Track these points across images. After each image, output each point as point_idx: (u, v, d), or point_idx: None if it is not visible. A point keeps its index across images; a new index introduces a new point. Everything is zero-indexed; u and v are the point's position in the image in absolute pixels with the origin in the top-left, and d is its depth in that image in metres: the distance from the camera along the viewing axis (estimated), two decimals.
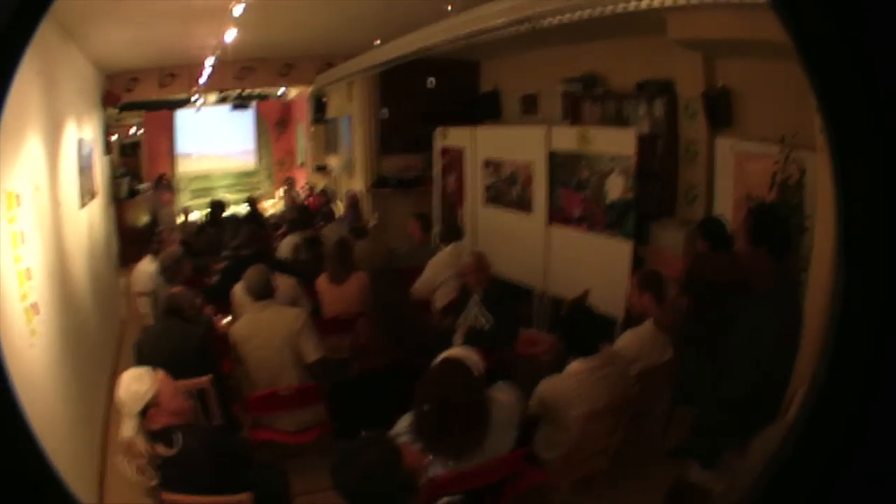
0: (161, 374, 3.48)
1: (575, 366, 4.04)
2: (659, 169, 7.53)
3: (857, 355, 0.70)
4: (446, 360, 3.54)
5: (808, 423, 0.74)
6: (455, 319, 5.81)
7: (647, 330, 4.75)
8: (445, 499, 2.87)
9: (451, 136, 9.97)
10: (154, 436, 3.31)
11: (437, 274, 6.78)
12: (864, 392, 0.70)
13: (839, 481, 0.72)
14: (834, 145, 0.70)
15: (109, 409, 5.74)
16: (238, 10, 6.50)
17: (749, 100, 6.37)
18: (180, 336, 4.81)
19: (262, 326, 4.96)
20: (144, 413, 3.32)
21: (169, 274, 6.29)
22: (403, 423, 3.55)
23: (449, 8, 6.10)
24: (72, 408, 4.67)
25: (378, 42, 8.65)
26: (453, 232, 7.22)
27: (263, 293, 5.11)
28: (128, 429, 3.30)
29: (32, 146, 4.70)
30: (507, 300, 5.83)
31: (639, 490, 4.75)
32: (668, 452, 5.08)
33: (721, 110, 6.57)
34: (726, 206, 6.41)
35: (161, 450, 3.28)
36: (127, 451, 3.28)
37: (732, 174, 6.37)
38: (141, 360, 4.46)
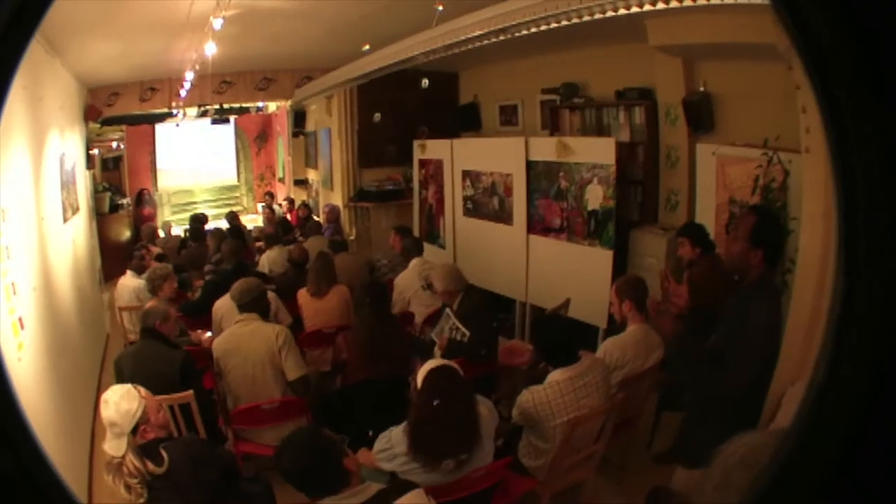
0: (143, 389, 3.46)
1: (555, 375, 4.05)
2: (640, 176, 7.58)
3: (857, 357, 0.71)
4: (441, 366, 3.55)
5: (807, 426, 0.74)
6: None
7: (630, 337, 4.76)
8: None
9: (430, 149, 10.00)
10: (142, 450, 3.29)
11: (404, 290, 6.82)
12: (866, 394, 0.70)
13: (840, 484, 0.72)
14: (835, 145, 0.70)
15: (95, 423, 5.71)
16: (218, 23, 6.50)
17: (730, 104, 6.43)
18: (161, 360, 4.74)
19: (243, 341, 4.92)
20: (135, 430, 3.28)
21: (156, 289, 6.26)
22: (395, 434, 3.57)
23: (440, 8, 6.12)
24: (58, 421, 4.65)
25: (367, 47, 8.65)
26: (414, 247, 7.25)
27: (250, 305, 5.09)
28: (116, 447, 3.24)
29: (17, 161, 4.70)
30: (485, 311, 5.81)
31: (626, 496, 4.78)
32: (655, 458, 5.12)
33: (702, 115, 6.62)
34: (708, 211, 6.45)
35: (151, 467, 3.26)
36: (117, 471, 3.24)
37: (714, 179, 6.41)
38: (121, 380, 4.43)
